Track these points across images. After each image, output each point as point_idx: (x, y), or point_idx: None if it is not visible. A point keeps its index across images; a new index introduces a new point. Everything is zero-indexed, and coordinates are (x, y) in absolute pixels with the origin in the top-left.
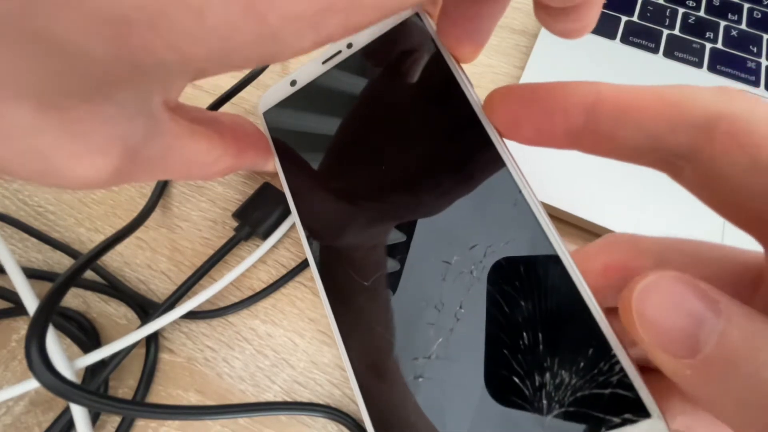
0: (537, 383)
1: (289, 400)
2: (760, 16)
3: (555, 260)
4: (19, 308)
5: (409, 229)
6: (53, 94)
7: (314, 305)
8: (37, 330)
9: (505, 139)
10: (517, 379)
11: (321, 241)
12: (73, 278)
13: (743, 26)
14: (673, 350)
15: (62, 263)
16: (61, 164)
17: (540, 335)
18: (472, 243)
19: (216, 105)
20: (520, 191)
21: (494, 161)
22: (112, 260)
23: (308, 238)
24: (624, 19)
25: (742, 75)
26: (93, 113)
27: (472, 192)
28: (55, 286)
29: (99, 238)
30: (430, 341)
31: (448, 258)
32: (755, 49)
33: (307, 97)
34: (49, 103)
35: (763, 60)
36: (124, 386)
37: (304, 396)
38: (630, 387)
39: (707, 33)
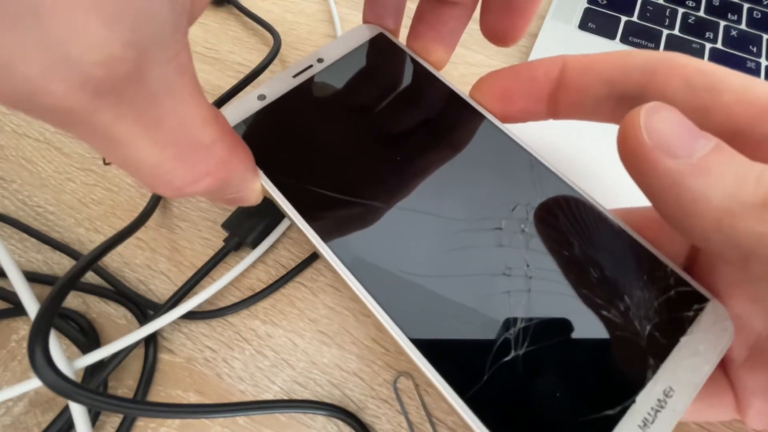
0: (622, 308)
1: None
2: (759, 16)
3: (584, 202)
4: (17, 309)
5: (447, 213)
6: None
7: (314, 305)
8: (41, 332)
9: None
10: (606, 312)
11: (355, 252)
12: (75, 279)
13: (743, 26)
14: (673, 151)
15: (62, 264)
16: (58, 14)
17: (603, 266)
18: (511, 205)
19: (216, 105)
20: (531, 154)
21: (499, 137)
22: (111, 260)
23: (338, 255)
24: (624, 19)
25: None
26: None
27: (488, 166)
28: (57, 287)
29: (98, 239)
30: (514, 308)
31: (498, 224)
32: (755, 49)
33: (280, 110)
34: None
35: (762, 60)
36: (124, 387)
37: (304, 396)
38: (685, 283)
39: (707, 33)
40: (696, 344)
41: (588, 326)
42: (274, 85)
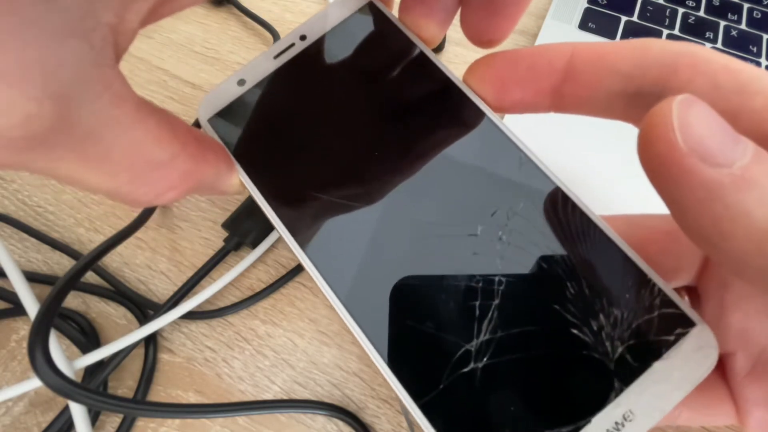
0: (595, 328)
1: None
2: (759, 16)
3: (576, 209)
4: (17, 309)
5: (422, 213)
6: None
7: (314, 305)
8: (41, 332)
9: (493, 112)
10: (576, 330)
11: (324, 251)
12: (75, 279)
13: (743, 26)
14: (714, 158)
15: (62, 264)
16: None
17: (583, 281)
18: (491, 210)
19: None
20: (521, 151)
21: (488, 129)
22: (111, 260)
23: (309, 255)
24: (624, 19)
25: None
26: (10, 3)
27: (473, 161)
28: (57, 287)
29: (98, 239)
30: (478, 321)
31: (473, 230)
32: (755, 49)
33: (262, 95)
34: None
35: (763, 60)
36: (124, 387)
37: (304, 396)
38: (672, 304)
39: (707, 33)
40: (670, 370)
41: (554, 343)
42: (255, 68)
